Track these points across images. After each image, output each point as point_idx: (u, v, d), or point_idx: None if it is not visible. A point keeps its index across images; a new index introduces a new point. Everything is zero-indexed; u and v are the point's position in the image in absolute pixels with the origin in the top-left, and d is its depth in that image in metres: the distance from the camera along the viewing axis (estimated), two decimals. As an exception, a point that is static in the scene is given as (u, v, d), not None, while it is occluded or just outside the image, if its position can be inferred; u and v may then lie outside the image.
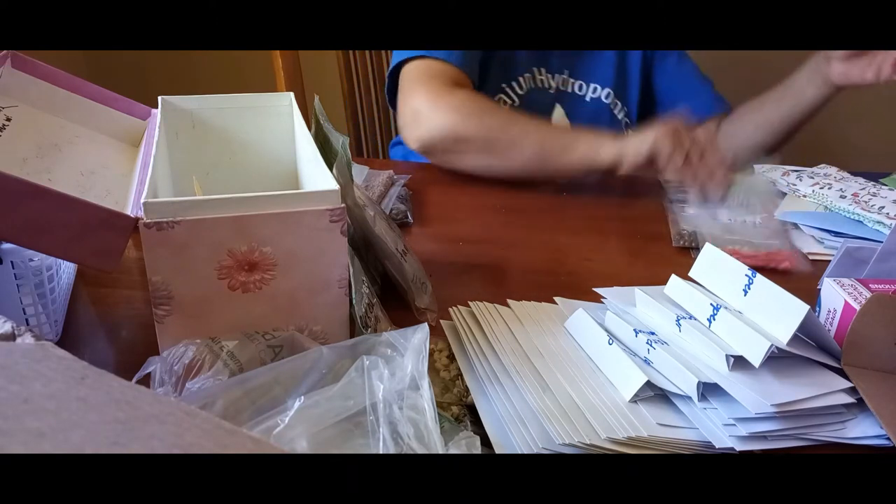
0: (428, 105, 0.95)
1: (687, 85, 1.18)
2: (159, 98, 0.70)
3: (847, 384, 0.54)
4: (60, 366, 0.32)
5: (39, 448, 0.26)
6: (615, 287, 0.66)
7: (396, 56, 1.03)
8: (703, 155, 0.87)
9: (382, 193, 0.90)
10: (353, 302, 0.57)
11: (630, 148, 0.89)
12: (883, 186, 0.92)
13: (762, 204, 0.91)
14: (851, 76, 0.98)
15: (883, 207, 0.87)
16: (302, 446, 0.43)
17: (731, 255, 0.60)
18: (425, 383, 0.47)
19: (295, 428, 0.44)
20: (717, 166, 0.87)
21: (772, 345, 0.52)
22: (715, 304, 0.57)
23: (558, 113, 1.13)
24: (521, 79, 1.10)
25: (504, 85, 1.10)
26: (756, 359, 0.52)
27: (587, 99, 1.15)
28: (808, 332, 0.57)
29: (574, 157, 0.92)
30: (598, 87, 1.15)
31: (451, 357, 0.59)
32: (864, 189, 0.92)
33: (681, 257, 0.82)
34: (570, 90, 1.14)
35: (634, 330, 0.58)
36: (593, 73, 1.14)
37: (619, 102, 1.16)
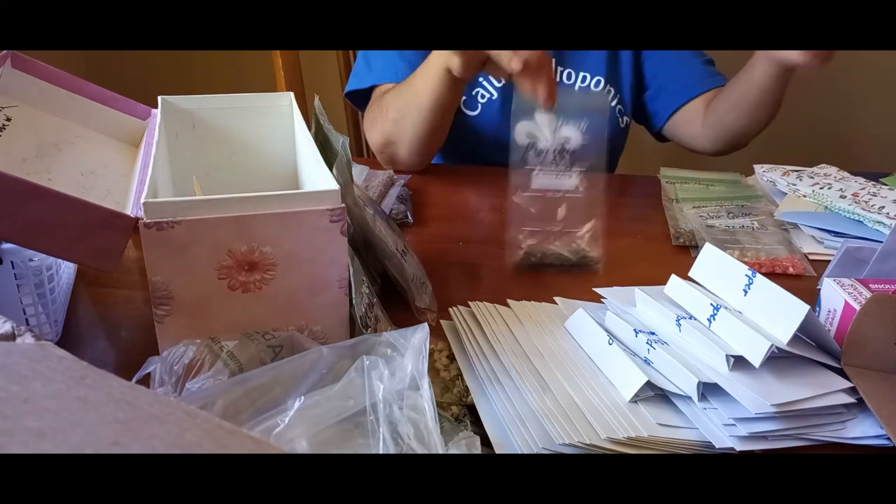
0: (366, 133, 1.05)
1: (678, 60, 1.11)
2: (159, 98, 0.70)
3: (847, 384, 0.54)
4: (60, 366, 0.32)
5: (39, 448, 0.26)
6: (615, 287, 0.66)
7: (351, 82, 1.10)
8: (536, 57, 0.75)
9: (382, 193, 0.90)
10: (353, 302, 0.57)
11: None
12: (883, 186, 0.92)
13: (589, 123, 0.79)
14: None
15: (883, 207, 0.87)
16: (302, 446, 0.43)
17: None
18: (425, 383, 0.47)
19: (295, 428, 0.44)
20: (548, 67, 0.75)
21: (772, 345, 0.52)
22: (715, 304, 0.57)
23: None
24: None
25: (481, 77, 1.08)
26: (756, 359, 0.52)
27: (576, 88, 1.10)
28: (808, 332, 0.57)
29: (429, 82, 0.89)
30: (588, 76, 1.10)
31: (451, 357, 0.59)
32: (864, 189, 0.92)
33: (681, 257, 0.82)
34: (557, 79, 1.09)
35: (634, 330, 0.58)
36: (583, 61, 1.09)
37: (611, 90, 1.11)
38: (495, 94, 1.09)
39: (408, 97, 0.94)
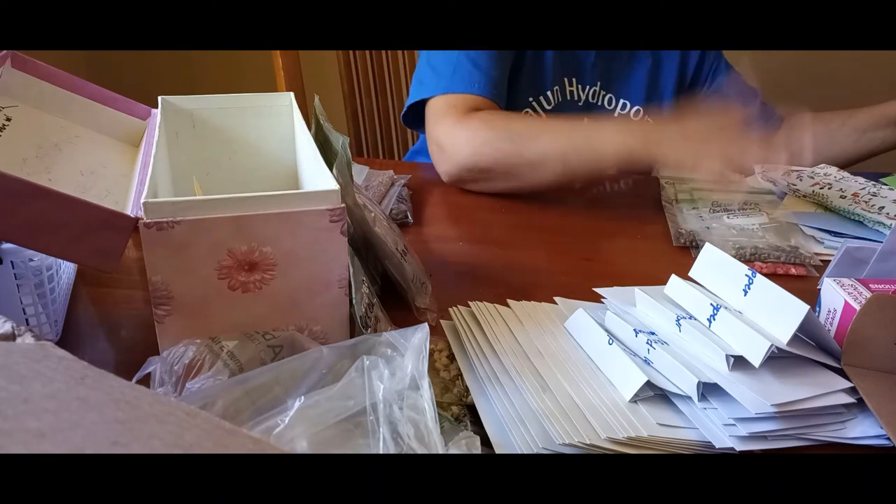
0: (447, 139, 0.95)
1: (742, 101, 1.13)
2: (159, 98, 0.70)
3: (847, 384, 0.54)
4: (60, 366, 0.32)
5: (39, 448, 0.26)
6: (615, 287, 0.66)
7: (418, 92, 1.01)
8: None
9: (382, 193, 0.90)
10: (353, 302, 0.57)
11: (671, 155, 0.87)
12: (883, 186, 0.92)
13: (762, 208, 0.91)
14: None
15: (883, 207, 0.87)
16: (302, 446, 0.43)
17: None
18: (425, 383, 0.47)
19: (295, 428, 0.44)
20: (741, 180, 0.86)
21: (772, 345, 0.52)
22: (715, 304, 0.57)
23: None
24: (549, 93, 1.08)
25: (532, 99, 1.08)
26: (756, 359, 0.52)
27: (615, 115, 1.13)
28: (808, 332, 0.57)
29: (606, 159, 0.89)
30: (628, 104, 1.13)
31: (451, 357, 0.59)
32: (864, 189, 0.92)
33: (681, 257, 0.82)
34: (599, 103, 1.12)
35: (634, 330, 0.58)
36: (625, 89, 1.12)
37: (649, 121, 1.13)
38: (544, 116, 1.10)
39: (553, 160, 0.90)
